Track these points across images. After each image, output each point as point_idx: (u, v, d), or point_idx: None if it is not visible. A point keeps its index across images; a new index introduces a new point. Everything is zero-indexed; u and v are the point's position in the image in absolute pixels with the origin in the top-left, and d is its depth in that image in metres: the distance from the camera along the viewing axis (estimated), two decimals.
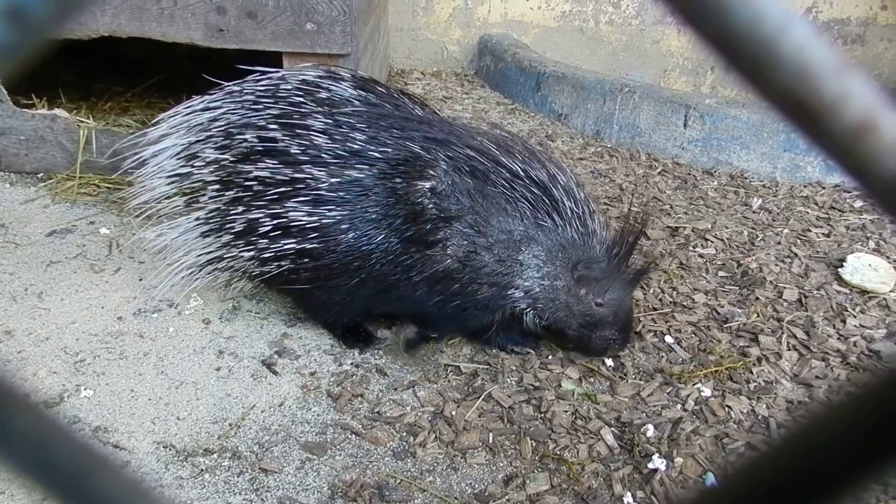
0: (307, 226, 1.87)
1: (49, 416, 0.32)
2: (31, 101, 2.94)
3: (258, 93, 1.99)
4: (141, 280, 2.33)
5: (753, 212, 3.07)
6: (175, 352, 2.03)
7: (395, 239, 1.88)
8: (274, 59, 2.68)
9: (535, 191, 1.90)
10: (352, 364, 2.03)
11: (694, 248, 2.71)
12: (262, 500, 1.58)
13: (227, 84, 2.02)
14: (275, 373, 1.98)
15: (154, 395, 1.87)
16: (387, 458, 1.72)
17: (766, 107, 0.26)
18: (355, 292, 1.97)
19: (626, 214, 2.08)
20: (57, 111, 2.88)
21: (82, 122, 2.88)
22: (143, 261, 2.42)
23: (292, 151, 1.87)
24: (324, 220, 1.86)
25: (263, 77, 2.01)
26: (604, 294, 1.93)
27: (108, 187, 2.85)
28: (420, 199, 1.85)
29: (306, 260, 1.92)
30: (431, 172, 1.86)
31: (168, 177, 2.02)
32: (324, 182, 1.86)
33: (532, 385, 1.98)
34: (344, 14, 2.56)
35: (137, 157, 2.05)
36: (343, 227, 1.87)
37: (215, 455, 1.69)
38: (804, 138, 0.26)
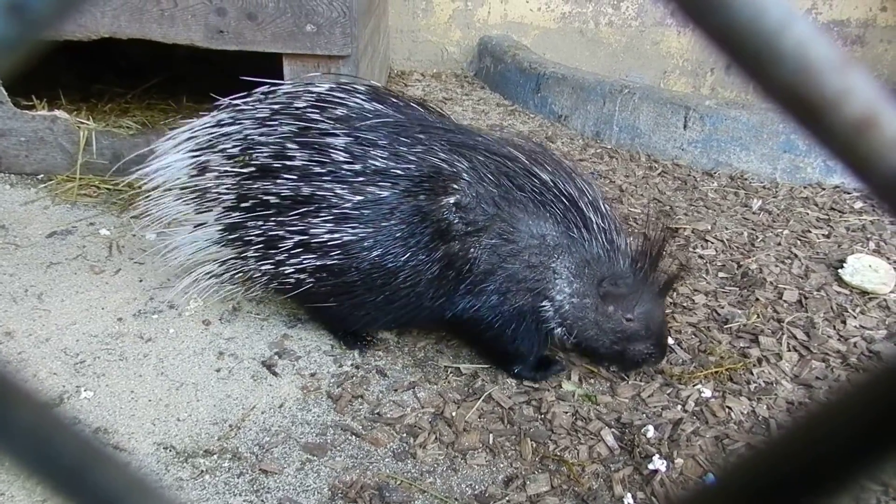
0: (329, 243, 1.85)
1: (53, 412, 0.32)
2: (31, 103, 2.94)
3: (272, 108, 1.96)
4: (141, 281, 2.33)
5: (753, 213, 3.07)
6: (175, 353, 2.03)
7: (424, 256, 1.85)
8: (272, 61, 2.69)
9: (564, 202, 1.87)
10: (352, 365, 2.03)
11: (694, 249, 2.71)
12: (262, 501, 1.58)
13: (236, 99, 1.99)
14: (275, 374, 1.97)
15: (154, 397, 1.87)
16: (387, 460, 1.72)
17: (768, 103, 0.26)
18: (381, 308, 1.94)
19: (648, 225, 2.07)
20: (57, 112, 2.88)
21: (82, 123, 2.88)
22: (144, 262, 2.42)
23: (312, 169, 1.85)
24: (346, 238, 1.84)
25: (272, 92, 1.99)
26: (633, 309, 1.88)
27: (108, 189, 2.85)
28: (446, 216, 1.83)
29: (326, 275, 1.90)
30: (455, 186, 1.84)
31: (181, 189, 2.01)
32: (347, 200, 1.83)
33: (532, 386, 1.98)
34: (344, 15, 2.56)
35: (148, 170, 2.04)
36: (367, 244, 1.84)
37: (215, 456, 1.69)
38: (805, 135, 0.26)
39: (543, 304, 1.89)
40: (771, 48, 0.25)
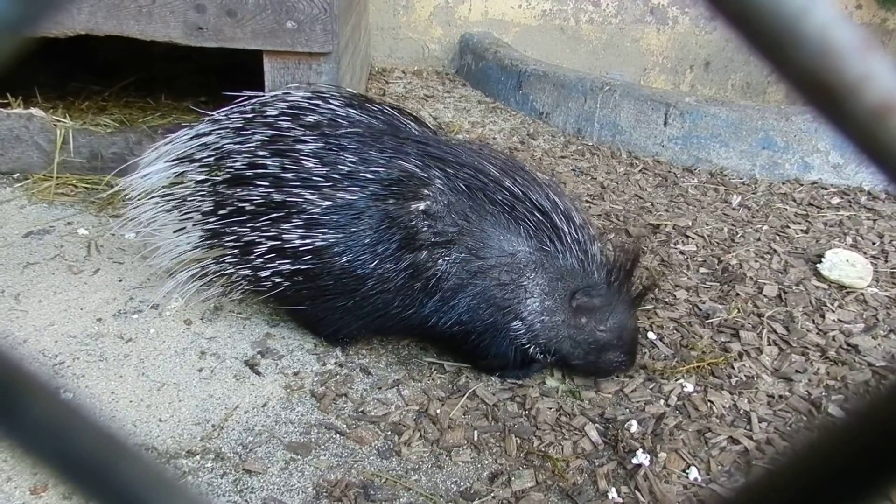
0: (301, 248, 1.84)
1: (70, 403, 0.31)
2: (6, 101, 2.89)
3: (246, 118, 1.97)
4: (121, 281, 2.30)
5: (733, 209, 3.10)
6: (156, 353, 2.01)
7: (391, 265, 1.83)
8: (253, 58, 2.66)
9: (537, 215, 1.85)
10: (335, 363, 2.02)
11: (675, 245, 2.73)
12: (246, 501, 1.57)
13: (212, 113, 2.02)
14: (258, 373, 1.96)
15: (135, 398, 1.84)
16: (372, 458, 1.71)
17: (786, 87, 0.26)
18: (353, 313, 1.93)
19: (622, 237, 2.07)
20: (33, 110, 2.83)
21: (59, 121, 2.84)
22: (123, 261, 2.39)
23: (282, 175, 1.85)
24: (317, 244, 1.83)
25: (249, 102, 2.00)
26: (606, 320, 1.87)
27: (85, 187, 2.81)
28: (414, 222, 1.81)
29: (301, 279, 1.89)
30: (426, 192, 1.82)
31: (162, 196, 2.02)
32: (316, 205, 1.82)
33: (516, 383, 1.98)
34: (325, 12, 2.55)
35: (130, 180, 2.05)
36: (337, 249, 1.83)
37: (198, 457, 1.67)
38: (824, 121, 0.26)
39: (514, 323, 1.88)
40: (792, 31, 0.24)
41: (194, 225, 1.98)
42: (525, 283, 1.86)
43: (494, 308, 1.87)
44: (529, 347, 1.91)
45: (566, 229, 1.87)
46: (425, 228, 1.81)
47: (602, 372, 1.97)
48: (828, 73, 0.25)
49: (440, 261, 1.83)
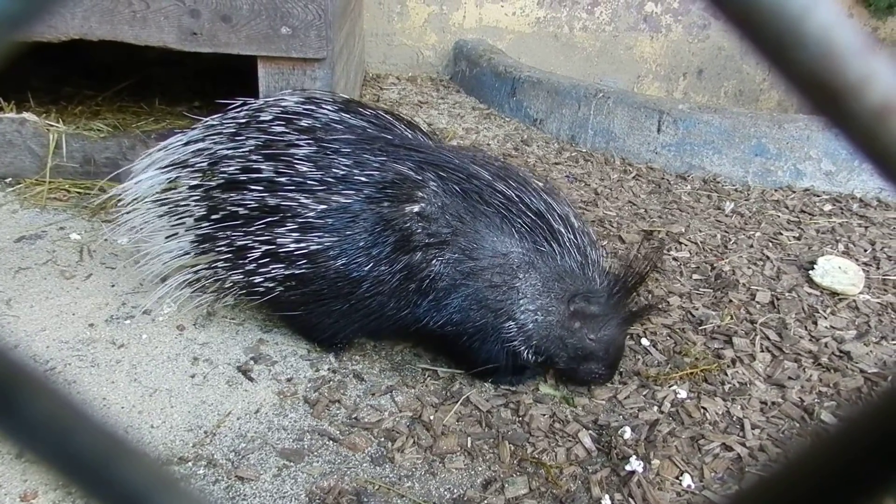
0: (295, 252, 1.84)
1: (72, 401, 0.31)
2: None
3: (239, 123, 1.97)
4: (113, 286, 2.29)
5: (726, 215, 3.11)
6: (148, 359, 2.00)
7: (386, 267, 1.83)
8: (247, 64, 2.66)
9: (531, 217, 1.85)
10: (329, 369, 2.02)
11: (668, 251, 2.74)
12: None
13: (206, 119, 2.02)
14: (251, 379, 1.95)
15: (127, 404, 1.83)
16: (365, 464, 1.71)
17: (787, 87, 0.26)
18: (348, 316, 1.93)
19: (635, 251, 2.06)
20: (26, 115, 2.82)
21: (52, 125, 2.83)
22: (115, 267, 2.38)
23: (277, 180, 1.85)
24: (312, 247, 1.83)
25: (243, 107, 2.00)
26: (598, 330, 1.88)
27: (78, 192, 2.80)
28: (408, 224, 1.81)
29: (295, 283, 1.89)
30: (420, 194, 1.82)
31: (154, 202, 2.01)
32: (311, 209, 1.82)
33: (510, 389, 1.98)
34: (319, 18, 2.55)
35: (123, 187, 2.05)
36: (332, 253, 1.83)
37: (190, 463, 1.66)
38: (825, 122, 0.26)
39: (507, 323, 1.88)
40: (793, 32, 0.24)
41: (187, 230, 1.98)
42: (518, 284, 1.86)
43: (486, 309, 1.87)
44: (522, 349, 1.91)
45: (564, 231, 1.87)
46: (419, 230, 1.82)
47: (579, 380, 1.98)
48: (829, 74, 0.25)
49: (434, 261, 1.83)
